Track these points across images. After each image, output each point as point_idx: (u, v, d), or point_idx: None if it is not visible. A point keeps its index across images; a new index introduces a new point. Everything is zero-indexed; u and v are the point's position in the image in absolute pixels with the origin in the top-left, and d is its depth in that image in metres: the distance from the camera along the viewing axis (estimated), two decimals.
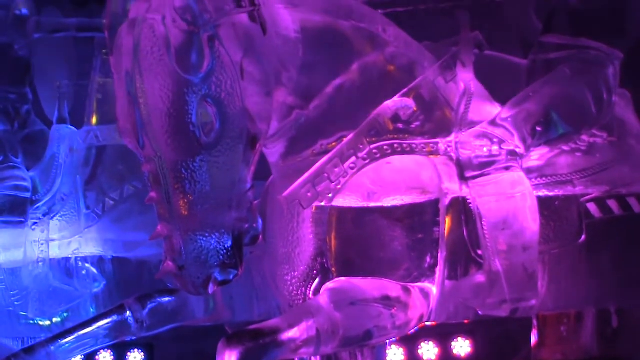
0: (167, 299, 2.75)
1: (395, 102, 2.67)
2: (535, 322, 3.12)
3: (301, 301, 2.60)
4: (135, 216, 3.83)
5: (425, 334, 3.37)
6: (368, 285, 2.51)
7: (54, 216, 3.95)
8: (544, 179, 2.81)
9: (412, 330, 2.63)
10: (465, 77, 2.84)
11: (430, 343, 3.58)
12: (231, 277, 2.34)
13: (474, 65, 2.87)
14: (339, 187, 2.59)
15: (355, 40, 2.68)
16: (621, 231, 2.84)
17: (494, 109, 2.84)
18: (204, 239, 2.29)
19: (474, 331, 3.38)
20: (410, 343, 3.54)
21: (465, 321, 2.91)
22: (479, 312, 2.74)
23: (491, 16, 3.36)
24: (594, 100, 2.86)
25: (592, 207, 2.82)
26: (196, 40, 2.28)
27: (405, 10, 3.28)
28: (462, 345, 3.56)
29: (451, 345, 3.58)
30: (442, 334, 3.39)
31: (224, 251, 2.31)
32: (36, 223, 3.93)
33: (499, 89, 2.94)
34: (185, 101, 2.27)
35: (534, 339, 3.12)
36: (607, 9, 2.98)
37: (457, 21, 2.98)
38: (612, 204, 2.83)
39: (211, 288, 2.32)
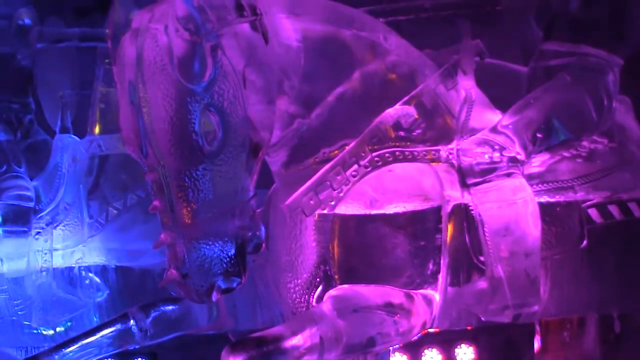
0: (170, 307, 2.76)
1: (396, 110, 2.68)
2: (538, 328, 3.13)
3: (304, 309, 2.60)
4: (139, 225, 3.83)
5: (428, 340, 3.37)
6: (371, 293, 2.51)
7: (57, 225, 3.95)
8: (545, 185, 2.82)
9: (416, 337, 2.63)
10: (466, 85, 2.85)
11: (434, 350, 3.58)
12: (234, 285, 2.34)
13: (475, 73, 2.89)
14: (341, 194, 2.60)
15: (356, 48, 2.69)
16: (622, 236, 2.85)
17: (495, 116, 2.85)
18: (207, 247, 2.30)
19: (478, 338, 3.38)
20: (413, 350, 3.54)
21: (469, 328, 2.91)
22: (482, 319, 2.74)
23: (492, 24, 3.37)
24: (594, 107, 2.87)
25: (593, 213, 2.83)
26: (199, 50, 2.29)
27: (406, 18, 3.29)
28: (465, 352, 3.56)
29: (455, 351, 3.58)
30: (446, 341, 3.40)
31: (227, 259, 2.32)
32: (39, 232, 3.94)
33: (500, 96, 2.95)
34: (188, 110, 2.28)
35: (537, 344, 3.12)
36: (607, 17, 2.99)
37: (458, 29, 2.99)
38: (613, 209, 2.84)
39: (214, 296, 2.32)
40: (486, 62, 2.95)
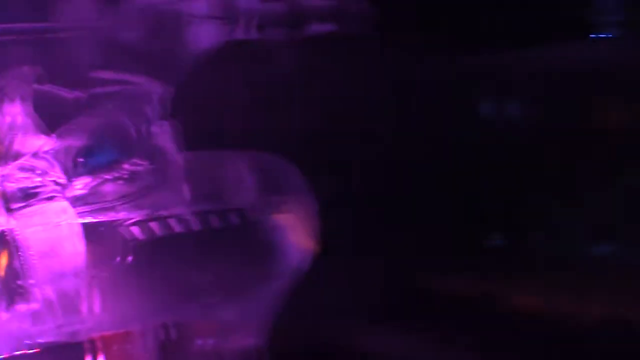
0: None
1: None
2: (92, 345, 3.23)
3: None
4: None
5: None
6: None
7: None
8: (89, 206, 2.95)
9: None
10: (12, 111, 2.91)
11: None
12: None
13: (23, 99, 2.95)
14: None
15: None
16: (165, 250, 3.07)
17: (41, 142, 2.94)
18: None
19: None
20: None
21: (32, 350, 2.95)
22: (33, 341, 2.81)
23: (49, 52, 3.44)
24: (134, 131, 3.08)
25: (136, 230, 3.02)
26: None
27: None
28: None
29: None
30: None
31: None
32: None
33: (51, 122, 3.04)
34: None
35: None
36: (159, 48, 3.22)
37: (13, 55, 3.03)
38: (155, 225, 3.06)
39: None
40: (39, 88, 3.03)
